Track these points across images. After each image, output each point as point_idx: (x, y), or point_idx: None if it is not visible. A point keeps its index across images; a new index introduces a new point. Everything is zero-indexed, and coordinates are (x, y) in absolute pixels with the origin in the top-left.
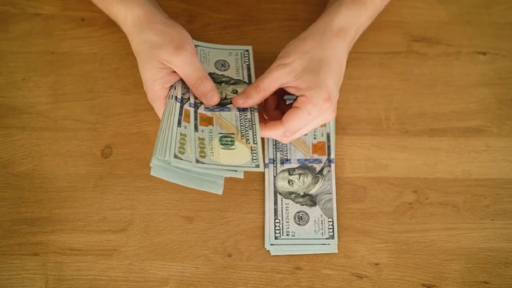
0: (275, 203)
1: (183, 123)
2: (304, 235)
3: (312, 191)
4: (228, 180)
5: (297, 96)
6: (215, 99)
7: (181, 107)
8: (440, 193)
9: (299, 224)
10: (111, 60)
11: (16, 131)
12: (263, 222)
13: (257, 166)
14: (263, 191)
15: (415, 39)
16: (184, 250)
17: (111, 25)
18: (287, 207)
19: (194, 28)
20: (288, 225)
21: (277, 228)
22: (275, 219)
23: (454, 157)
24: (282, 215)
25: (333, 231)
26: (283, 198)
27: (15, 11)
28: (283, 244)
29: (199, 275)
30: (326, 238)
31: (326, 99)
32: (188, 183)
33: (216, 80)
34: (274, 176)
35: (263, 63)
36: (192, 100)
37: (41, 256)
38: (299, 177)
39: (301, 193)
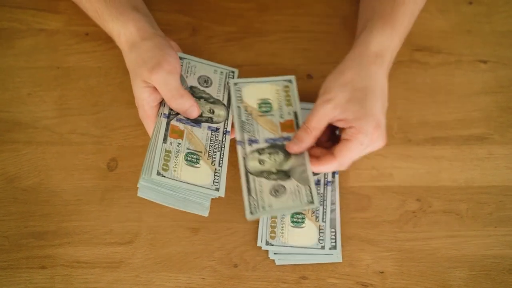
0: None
1: (169, 139)
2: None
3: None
4: (233, 192)
5: (344, 128)
6: (194, 114)
7: (168, 122)
8: (443, 201)
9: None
10: (116, 74)
11: (22, 146)
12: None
13: (217, 189)
14: None
15: (416, 49)
16: (190, 261)
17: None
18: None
19: (198, 41)
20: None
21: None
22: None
23: (457, 165)
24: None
25: (335, 241)
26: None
27: (20, 27)
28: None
29: (205, 286)
30: (329, 248)
31: (376, 126)
32: (174, 204)
33: (196, 94)
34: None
35: (267, 75)
36: (166, 111)
37: (49, 269)
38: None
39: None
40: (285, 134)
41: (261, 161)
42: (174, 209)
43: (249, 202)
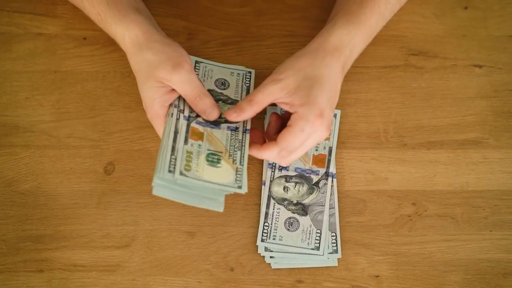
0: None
1: (190, 141)
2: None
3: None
4: (229, 195)
5: (290, 115)
6: (214, 114)
7: (188, 124)
8: (438, 205)
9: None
10: (113, 78)
11: (20, 150)
12: None
13: (240, 187)
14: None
15: (412, 53)
16: (186, 265)
17: (112, 44)
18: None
19: (194, 45)
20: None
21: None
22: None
23: (452, 169)
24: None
25: (336, 245)
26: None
27: (18, 31)
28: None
29: None
30: (330, 253)
31: (318, 115)
32: (189, 201)
33: (214, 97)
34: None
35: (263, 79)
36: (186, 113)
37: (46, 273)
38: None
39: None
40: (315, 168)
41: (285, 188)
42: (170, 213)
43: (263, 227)
